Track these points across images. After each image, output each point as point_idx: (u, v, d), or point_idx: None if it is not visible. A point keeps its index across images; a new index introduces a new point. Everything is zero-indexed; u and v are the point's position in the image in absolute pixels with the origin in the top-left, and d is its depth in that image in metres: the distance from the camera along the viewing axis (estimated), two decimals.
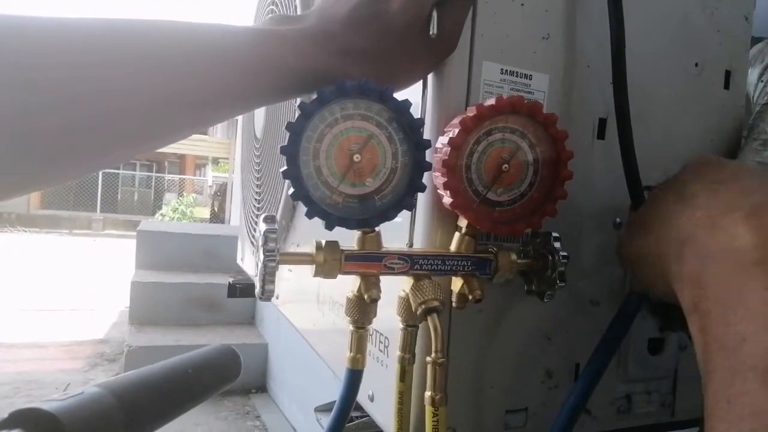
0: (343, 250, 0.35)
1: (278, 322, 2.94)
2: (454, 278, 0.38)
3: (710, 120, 0.48)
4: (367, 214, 0.35)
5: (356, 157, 0.34)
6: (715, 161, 0.37)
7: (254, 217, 0.83)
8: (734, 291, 0.28)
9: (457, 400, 0.39)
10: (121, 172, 14.17)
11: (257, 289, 0.34)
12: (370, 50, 0.36)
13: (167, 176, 14.97)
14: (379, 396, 0.44)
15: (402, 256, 0.36)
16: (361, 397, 0.44)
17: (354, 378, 0.39)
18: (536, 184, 0.37)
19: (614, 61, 0.40)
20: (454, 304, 0.38)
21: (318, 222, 0.34)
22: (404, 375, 0.38)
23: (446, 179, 0.35)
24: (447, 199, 0.35)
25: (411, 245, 0.40)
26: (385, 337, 0.43)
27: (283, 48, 0.34)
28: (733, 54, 0.48)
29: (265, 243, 0.33)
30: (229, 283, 0.98)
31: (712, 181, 0.33)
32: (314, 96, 0.33)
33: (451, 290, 0.38)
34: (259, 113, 0.83)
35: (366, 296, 0.35)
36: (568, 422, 0.40)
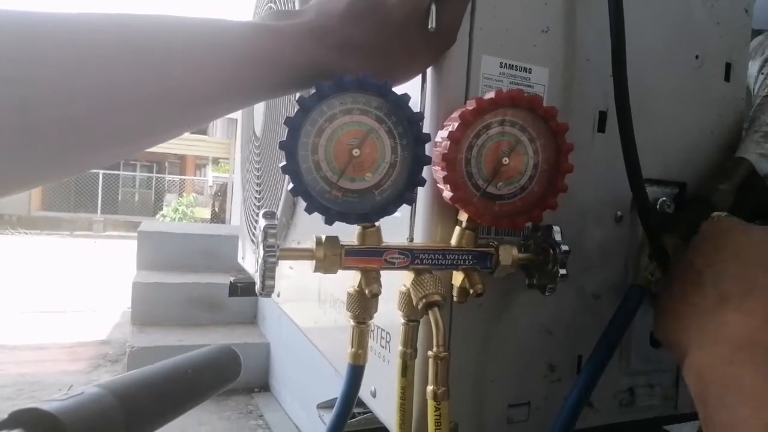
0: (343, 245, 0.35)
1: (279, 321, 2.94)
2: (455, 272, 0.38)
3: (711, 112, 0.48)
4: (366, 209, 0.35)
5: (355, 152, 0.33)
6: (720, 236, 0.37)
7: (254, 216, 0.83)
8: (727, 377, 0.30)
9: (459, 395, 0.39)
10: (121, 173, 14.18)
11: (257, 285, 0.34)
12: (368, 44, 0.36)
13: (168, 177, 14.98)
14: (381, 392, 0.44)
15: (402, 250, 0.36)
16: (363, 393, 0.44)
17: (356, 374, 0.39)
18: (536, 177, 0.37)
19: (614, 54, 0.39)
20: (455, 299, 0.38)
21: (318, 219, 0.34)
22: (406, 370, 0.38)
23: (446, 173, 0.34)
24: (447, 193, 0.35)
25: (411, 240, 0.40)
26: (387, 333, 0.43)
27: (281, 42, 0.34)
28: (733, 46, 0.48)
29: (264, 239, 0.33)
30: (231, 282, 0.98)
31: (716, 267, 0.35)
32: (313, 90, 0.33)
33: (452, 284, 0.38)
34: (259, 111, 0.83)
35: (367, 291, 0.35)
36: (571, 416, 0.39)
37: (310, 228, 0.59)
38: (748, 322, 0.30)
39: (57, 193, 13.04)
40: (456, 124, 0.34)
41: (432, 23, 0.36)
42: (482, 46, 0.38)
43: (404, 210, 0.38)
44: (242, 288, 0.97)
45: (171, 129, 0.34)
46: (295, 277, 0.66)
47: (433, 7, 0.36)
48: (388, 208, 0.35)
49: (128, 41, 0.30)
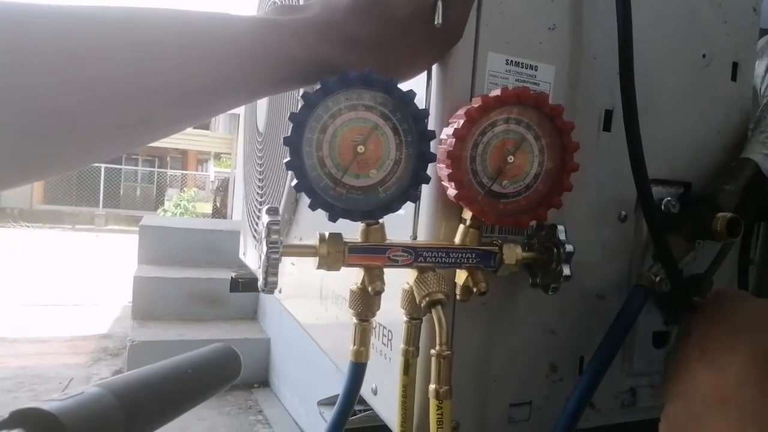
0: (346, 242, 0.35)
1: (280, 317, 2.94)
2: (458, 271, 0.38)
3: (717, 112, 0.48)
4: (371, 206, 0.34)
5: (360, 148, 0.33)
6: (720, 304, 0.38)
7: (257, 211, 0.83)
8: (701, 430, 0.31)
9: (461, 394, 0.39)
10: (123, 167, 14.18)
11: (260, 282, 0.34)
12: (372, 40, 0.35)
13: (169, 171, 14.98)
14: (383, 389, 0.43)
15: (406, 248, 0.36)
16: (364, 391, 0.44)
17: (357, 371, 0.39)
18: (542, 175, 0.37)
19: (621, 52, 0.39)
20: (458, 297, 0.38)
21: (321, 216, 0.34)
22: (408, 368, 0.38)
23: (451, 171, 0.34)
24: (451, 191, 0.35)
25: (415, 237, 0.40)
26: (389, 330, 0.43)
27: (284, 37, 0.34)
28: (740, 45, 0.48)
29: (268, 235, 0.33)
30: (232, 277, 0.98)
31: (706, 329, 0.36)
32: (317, 86, 0.32)
33: (456, 283, 0.38)
34: (262, 107, 0.83)
35: (370, 288, 0.35)
36: (573, 416, 0.39)
37: (312, 224, 0.59)
38: (720, 380, 0.31)
39: (59, 186, 13.05)
40: (461, 122, 0.34)
41: (438, 19, 0.35)
42: (488, 42, 0.38)
43: (408, 207, 0.38)
44: (243, 283, 0.97)
45: (172, 124, 0.34)
46: (296, 274, 0.66)
47: (440, 3, 0.36)
48: (392, 205, 0.34)
49: (128, 33, 0.30)
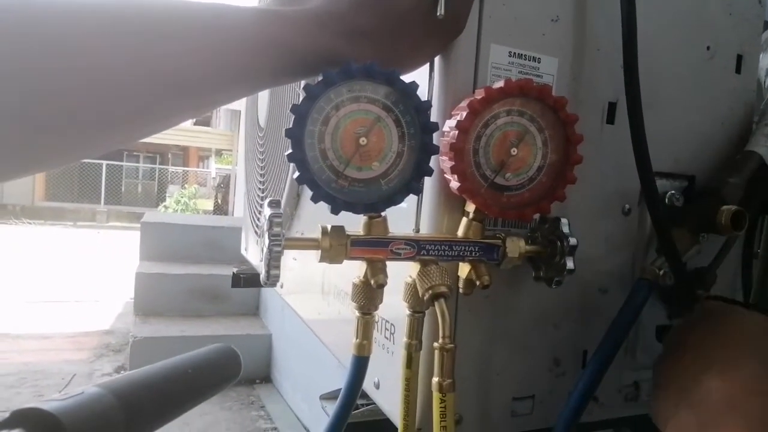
0: (349, 235, 0.35)
1: (282, 313, 2.95)
2: (461, 264, 0.37)
3: (721, 105, 0.47)
4: (373, 199, 0.34)
5: (362, 141, 0.33)
6: (711, 317, 0.39)
7: (258, 207, 0.83)
8: None
9: (463, 387, 0.39)
10: (124, 164, 14.19)
11: (262, 275, 0.34)
12: (375, 31, 0.35)
13: (171, 168, 14.98)
14: (385, 383, 0.43)
15: (409, 241, 0.35)
16: (367, 385, 0.44)
17: (360, 365, 0.39)
18: (545, 168, 0.36)
19: (625, 45, 0.39)
20: (461, 290, 0.38)
21: (323, 209, 0.34)
22: (411, 361, 0.37)
23: (454, 163, 0.34)
24: (454, 184, 0.35)
25: (418, 230, 0.40)
26: (391, 324, 0.43)
27: (285, 27, 0.34)
28: (745, 38, 0.48)
29: (270, 227, 0.33)
30: (233, 273, 0.98)
31: (705, 340, 0.37)
32: (319, 78, 0.32)
33: (458, 276, 0.38)
34: (263, 101, 0.83)
35: (373, 282, 0.35)
36: (576, 410, 0.39)
37: (314, 219, 0.59)
38: (730, 389, 0.32)
39: (60, 183, 13.07)
40: (464, 114, 0.34)
41: (440, 11, 0.35)
42: (491, 34, 0.38)
43: (411, 200, 0.38)
44: (245, 279, 0.97)
45: (170, 115, 0.34)
46: (298, 269, 0.66)
47: None
48: (394, 198, 0.34)
49: (125, 21, 0.30)
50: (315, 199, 0.33)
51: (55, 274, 5.58)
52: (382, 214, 0.35)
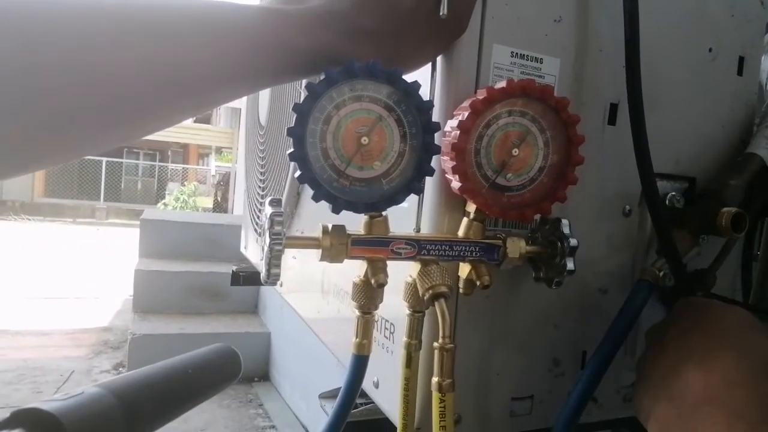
0: (350, 235, 0.35)
1: (281, 311, 2.95)
2: (461, 264, 0.37)
3: (723, 106, 0.47)
4: (374, 198, 0.34)
5: (364, 140, 0.33)
6: (692, 311, 0.39)
7: (258, 205, 0.83)
8: (690, 429, 0.31)
9: (463, 387, 0.39)
10: (124, 161, 14.18)
11: (263, 274, 0.34)
12: (377, 30, 0.35)
13: (170, 165, 14.97)
14: (384, 383, 0.43)
15: (409, 241, 0.35)
16: (366, 384, 0.44)
17: (360, 364, 0.39)
18: (546, 169, 0.36)
19: (628, 45, 0.39)
20: (461, 290, 0.38)
21: (323, 209, 0.34)
22: (410, 361, 0.37)
23: (455, 163, 0.34)
24: (456, 184, 0.35)
25: (418, 230, 0.40)
26: (391, 324, 0.43)
27: (287, 26, 0.33)
28: (747, 40, 0.48)
29: (271, 226, 0.33)
30: (233, 271, 0.98)
31: (685, 334, 0.37)
32: (322, 77, 0.32)
33: (459, 276, 0.38)
34: (264, 99, 0.83)
35: (373, 281, 0.35)
36: (575, 410, 0.39)
37: (314, 218, 0.59)
38: (709, 381, 0.32)
39: (60, 179, 13.07)
40: (466, 114, 0.34)
41: (443, 10, 0.35)
42: (493, 34, 0.38)
43: (412, 200, 0.38)
44: (244, 277, 0.97)
45: (171, 114, 0.34)
46: (298, 268, 0.66)
47: None
48: (396, 198, 0.34)
49: (127, 18, 0.30)
50: (316, 198, 0.33)
51: (54, 270, 5.58)
52: (383, 213, 0.35)
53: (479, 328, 0.40)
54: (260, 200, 0.81)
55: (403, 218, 0.40)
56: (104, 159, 13.04)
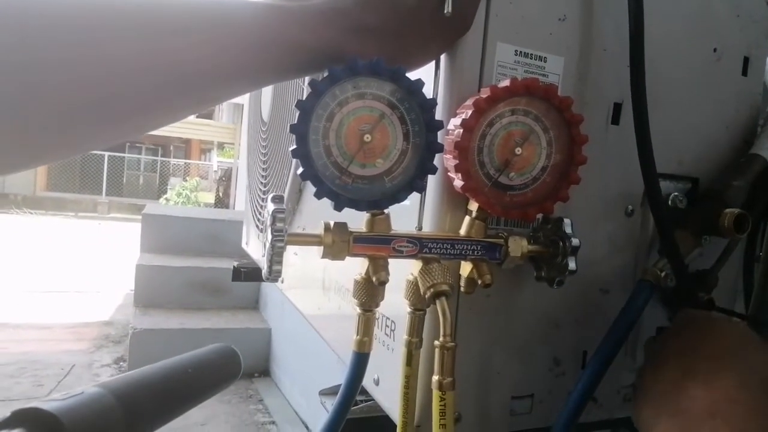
0: (351, 232, 0.35)
1: (282, 307, 2.95)
2: (463, 262, 0.37)
3: (727, 107, 0.47)
4: (376, 196, 0.34)
5: (367, 137, 0.33)
6: (693, 325, 0.39)
7: (260, 201, 0.83)
8: None
9: (463, 385, 0.39)
10: (126, 155, 14.18)
11: (264, 270, 0.34)
12: (381, 28, 0.35)
13: (172, 160, 14.98)
14: (385, 380, 0.43)
15: (411, 239, 0.35)
16: (366, 382, 0.44)
17: (360, 361, 0.39)
18: (549, 168, 0.36)
19: (632, 45, 0.39)
20: (462, 289, 0.38)
21: (325, 206, 0.34)
22: (411, 359, 0.37)
23: (458, 161, 0.34)
24: (458, 182, 0.35)
25: (420, 228, 0.40)
26: (392, 321, 0.43)
27: (289, 23, 0.33)
28: (752, 40, 0.47)
29: (273, 223, 0.33)
30: (234, 266, 0.98)
31: (684, 348, 0.37)
32: (325, 74, 0.32)
33: (460, 275, 0.38)
34: (266, 96, 0.83)
35: (374, 279, 0.35)
36: (575, 410, 0.39)
37: (316, 215, 0.59)
38: (713, 398, 0.33)
39: (62, 173, 13.08)
40: (469, 112, 0.34)
41: (448, 8, 0.35)
42: (497, 33, 0.38)
43: (414, 198, 0.38)
44: (246, 273, 0.97)
45: (172, 111, 0.34)
46: (299, 264, 0.66)
47: None
48: (398, 196, 0.34)
49: (128, 14, 0.30)
50: (318, 195, 0.33)
51: (56, 264, 5.59)
52: (385, 211, 0.35)
53: (480, 327, 0.40)
54: (262, 196, 0.81)
55: (405, 216, 0.40)
56: (106, 153, 13.04)
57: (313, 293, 0.60)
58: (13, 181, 11.70)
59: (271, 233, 0.33)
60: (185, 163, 14.98)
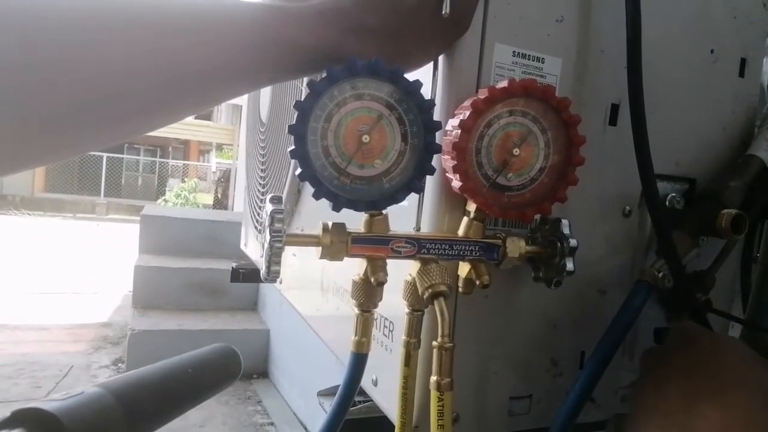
0: (350, 233, 0.35)
1: (280, 308, 2.95)
2: (461, 263, 0.37)
3: (724, 108, 0.47)
4: (375, 197, 0.34)
5: (365, 138, 0.33)
6: (689, 342, 0.39)
7: (258, 202, 0.83)
8: None
9: (461, 386, 0.39)
10: (125, 156, 14.17)
11: (263, 271, 0.34)
12: (380, 29, 0.35)
13: (171, 162, 14.97)
14: (383, 381, 0.43)
15: (409, 239, 0.35)
16: (364, 382, 0.44)
17: (358, 362, 0.39)
18: (547, 169, 0.37)
19: (629, 46, 0.39)
20: (460, 290, 0.38)
21: (323, 207, 0.34)
22: (409, 360, 0.38)
23: (456, 162, 0.34)
24: (456, 183, 0.35)
25: (418, 229, 0.40)
26: (390, 322, 0.43)
27: (288, 24, 0.33)
28: (749, 42, 0.48)
29: (271, 223, 0.33)
30: (233, 267, 0.98)
31: (691, 367, 0.36)
32: (323, 74, 0.32)
33: (458, 275, 0.38)
34: (265, 97, 0.83)
35: (373, 279, 0.35)
36: (573, 410, 0.39)
37: (314, 215, 0.59)
38: (725, 418, 0.32)
39: (60, 174, 13.06)
40: (467, 113, 0.34)
41: (446, 9, 0.35)
42: (495, 34, 0.38)
43: (412, 198, 0.38)
44: (244, 274, 0.96)
45: (171, 112, 0.34)
46: (297, 265, 0.66)
47: None
48: (396, 196, 0.34)
49: (127, 15, 0.30)
50: (317, 196, 0.33)
51: (54, 265, 5.58)
52: (384, 212, 0.35)
53: (478, 328, 0.40)
54: (261, 197, 0.81)
55: (404, 217, 0.40)
56: (105, 154, 13.04)
57: (312, 294, 0.60)
58: (11, 182, 11.68)
59: (270, 234, 0.33)
60: (184, 164, 14.97)
